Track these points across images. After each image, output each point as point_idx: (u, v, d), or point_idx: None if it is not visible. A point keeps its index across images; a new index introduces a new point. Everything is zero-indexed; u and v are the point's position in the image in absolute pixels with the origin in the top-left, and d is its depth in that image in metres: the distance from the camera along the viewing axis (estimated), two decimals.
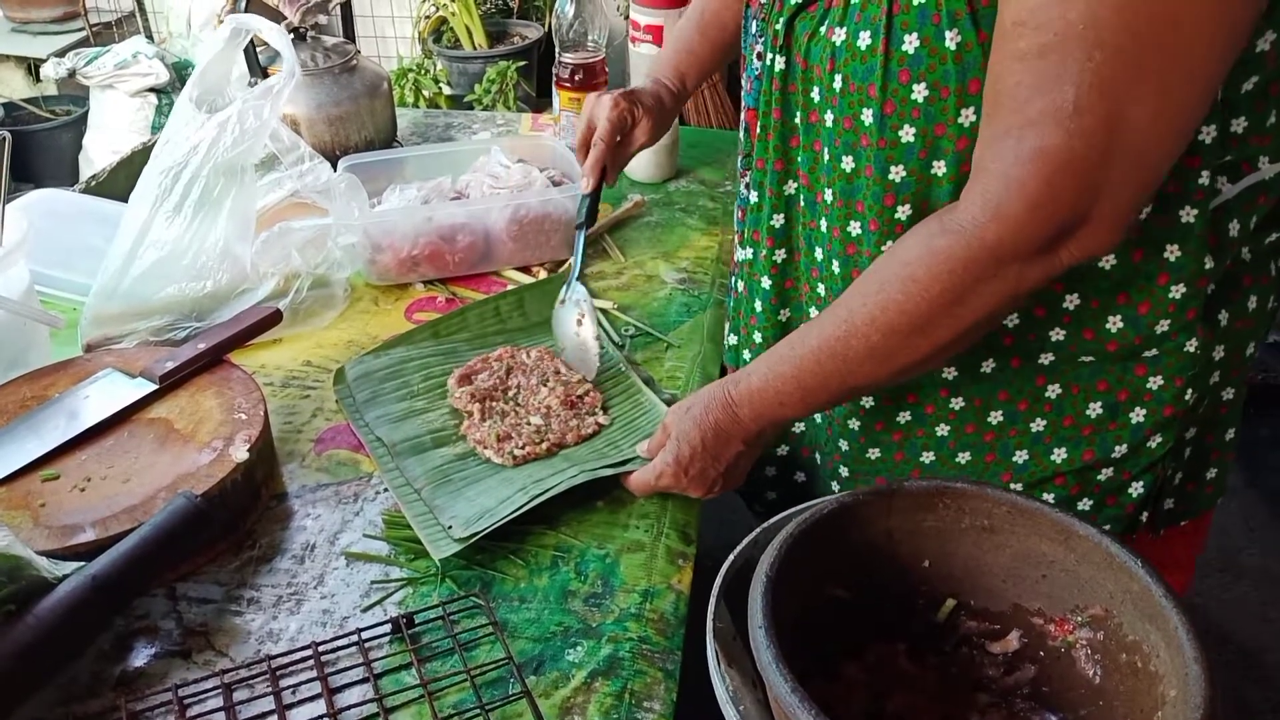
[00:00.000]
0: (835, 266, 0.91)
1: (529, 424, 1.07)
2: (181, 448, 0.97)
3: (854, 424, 0.99)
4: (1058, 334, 0.85)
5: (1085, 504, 0.93)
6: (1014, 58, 0.67)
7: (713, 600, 0.75)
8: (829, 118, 0.85)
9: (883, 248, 0.84)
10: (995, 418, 0.92)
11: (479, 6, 3.00)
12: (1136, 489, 0.91)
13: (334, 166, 1.39)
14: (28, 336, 1.11)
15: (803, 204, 0.94)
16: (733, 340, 1.17)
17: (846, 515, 0.76)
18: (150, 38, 3.46)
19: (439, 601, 0.89)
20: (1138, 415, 0.88)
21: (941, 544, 0.78)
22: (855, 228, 0.88)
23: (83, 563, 0.82)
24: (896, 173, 0.81)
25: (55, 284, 1.28)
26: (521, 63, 2.81)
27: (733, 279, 1.13)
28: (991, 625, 0.79)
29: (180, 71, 3.23)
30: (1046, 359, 0.87)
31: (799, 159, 0.93)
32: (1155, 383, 0.86)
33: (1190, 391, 0.86)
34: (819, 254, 0.94)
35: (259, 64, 1.50)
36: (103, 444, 0.98)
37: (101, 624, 0.83)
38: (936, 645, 0.80)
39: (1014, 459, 0.93)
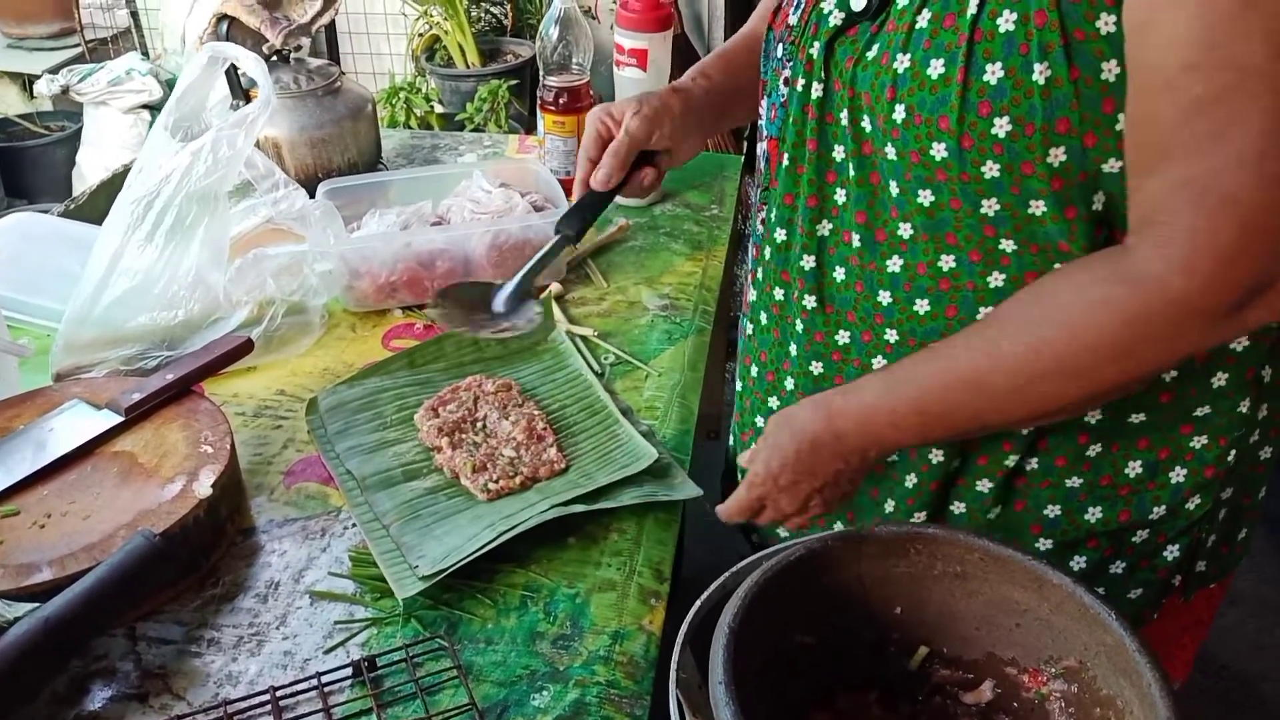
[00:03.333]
0: (922, 305, 0.82)
1: (502, 456, 1.05)
2: (144, 483, 0.95)
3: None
4: None
5: (1118, 567, 0.89)
6: (1188, 105, 0.63)
7: (677, 649, 0.73)
8: (890, 150, 0.77)
9: (990, 281, 0.78)
10: (1030, 464, 0.86)
11: (472, 24, 2.99)
12: (1172, 552, 0.88)
13: (316, 190, 1.38)
14: None
15: (858, 243, 0.84)
16: (745, 385, 1.07)
17: (815, 561, 0.74)
18: (145, 54, 3.46)
19: (403, 643, 0.87)
20: (1178, 475, 0.84)
21: (913, 590, 0.76)
22: (949, 261, 0.79)
23: (37, 604, 0.80)
24: (990, 206, 0.75)
25: (27, 310, 1.26)
26: (514, 81, 2.80)
27: (743, 319, 1.06)
28: (965, 674, 0.77)
29: (173, 88, 3.23)
30: (1094, 418, 0.82)
31: (838, 196, 0.85)
32: (1199, 442, 0.82)
33: (1234, 452, 0.83)
34: (885, 298, 0.84)
35: (241, 86, 1.48)
36: (65, 478, 0.96)
37: (55, 667, 0.82)
38: (909, 694, 0.78)
39: (1045, 512, 0.88)
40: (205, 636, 0.88)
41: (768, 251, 0.95)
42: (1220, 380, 0.80)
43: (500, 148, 1.82)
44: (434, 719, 0.80)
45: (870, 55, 0.77)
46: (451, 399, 1.12)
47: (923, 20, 0.73)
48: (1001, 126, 0.71)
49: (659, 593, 0.94)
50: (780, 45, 0.88)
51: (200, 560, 0.94)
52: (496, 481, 1.02)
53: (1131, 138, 0.68)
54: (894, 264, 0.82)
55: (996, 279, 0.78)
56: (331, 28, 3.05)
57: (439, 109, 2.68)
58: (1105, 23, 0.66)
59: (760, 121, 0.95)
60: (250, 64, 1.14)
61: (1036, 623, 0.73)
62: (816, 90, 0.82)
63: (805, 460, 0.83)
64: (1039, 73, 0.68)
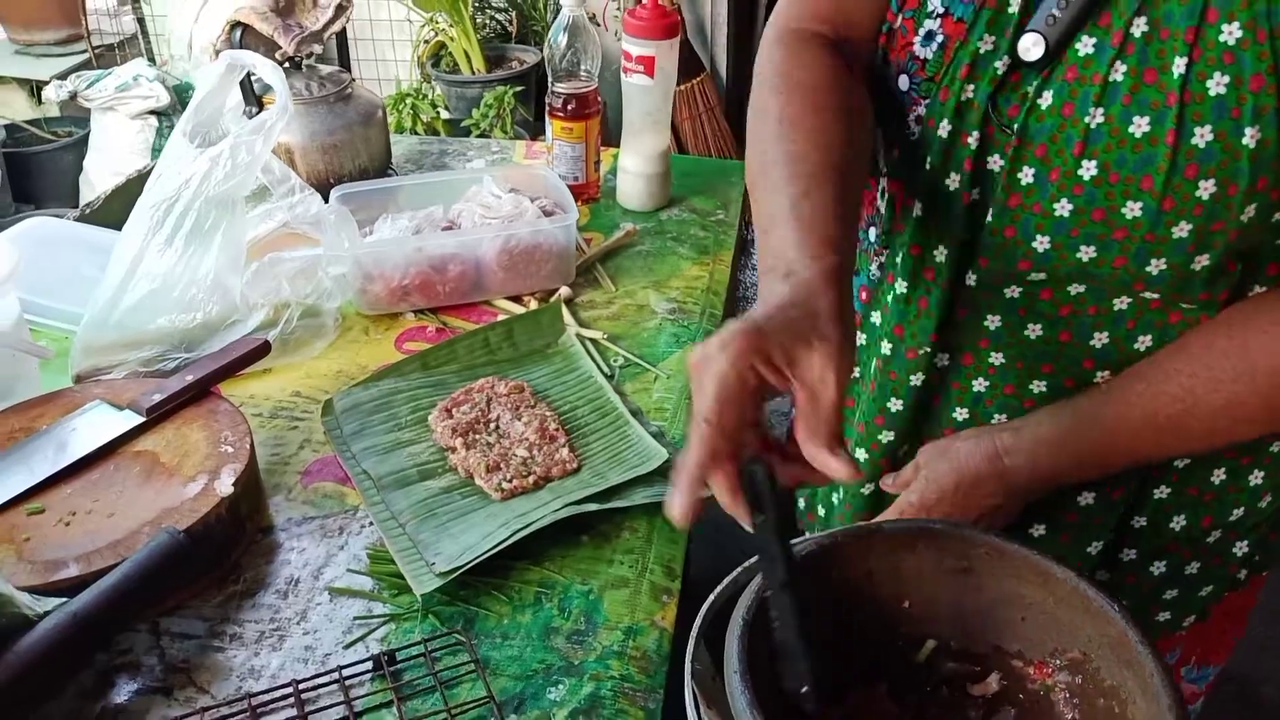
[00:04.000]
0: (1034, 330, 0.81)
1: (515, 456, 1.07)
2: (167, 481, 0.97)
3: None
4: None
5: (1193, 567, 0.90)
6: None
7: (691, 642, 0.75)
8: (1063, 206, 0.73)
9: (1134, 343, 0.79)
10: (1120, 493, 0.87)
11: (478, 31, 3.02)
12: (1241, 548, 0.89)
13: (327, 195, 1.40)
14: (17, 368, 1.12)
15: (1019, 295, 0.80)
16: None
17: (826, 556, 0.76)
18: (152, 60, 3.48)
19: (421, 638, 0.89)
20: (1256, 478, 0.85)
21: (921, 585, 0.78)
22: (1123, 302, 0.78)
23: (65, 599, 0.82)
24: (1156, 266, 0.73)
25: (46, 313, 1.28)
26: (519, 88, 2.83)
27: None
28: (971, 667, 0.79)
29: (181, 94, 3.25)
30: None
31: (989, 243, 0.79)
32: (1277, 446, 0.84)
33: None
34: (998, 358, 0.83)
35: (254, 93, 1.50)
36: (89, 477, 0.98)
37: (83, 661, 0.83)
38: (917, 686, 0.80)
39: (1133, 524, 0.88)
40: (227, 631, 0.90)
41: (888, 299, 0.88)
42: None
43: (508, 153, 1.84)
44: (453, 711, 0.82)
45: (1043, 104, 0.73)
46: (465, 400, 1.14)
47: (1118, 74, 0.70)
48: (1206, 189, 0.69)
49: (670, 589, 0.96)
50: (904, 77, 0.81)
51: (222, 557, 0.96)
52: (510, 481, 1.04)
53: None
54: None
55: (1141, 341, 0.79)
56: (342, 35, 3.08)
57: (445, 115, 2.70)
58: None
59: (884, 159, 0.87)
60: (268, 71, 1.16)
61: (1042, 616, 0.74)
62: (973, 140, 0.76)
63: (964, 494, 0.81)
64: (1249, 136, 0.67)
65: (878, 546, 0.77)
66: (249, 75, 1.43)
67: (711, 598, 0.78)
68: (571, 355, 1.25)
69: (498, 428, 1.11)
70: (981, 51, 0.76)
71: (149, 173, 1.24)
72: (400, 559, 0.95)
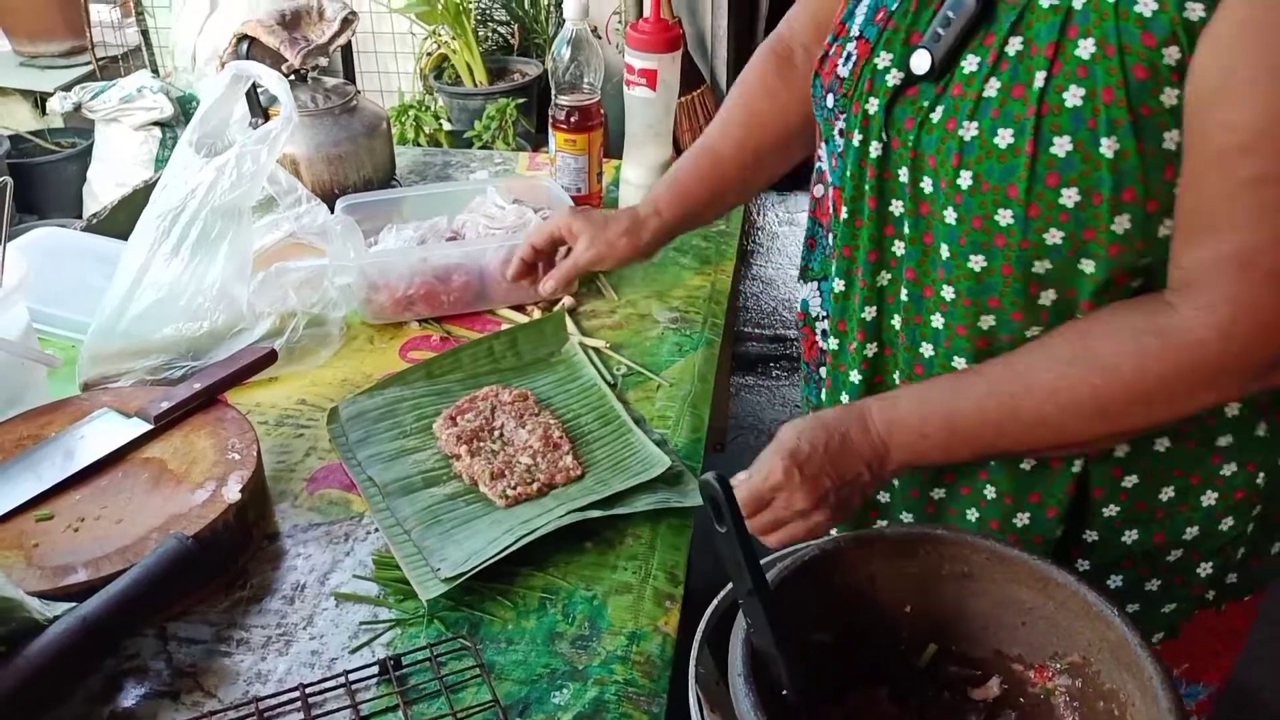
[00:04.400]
0: (959, 361, 0.84)
1: (519, 463, 1.08)
2: (174, 488, 0.98)
3: (937, 493, 0.95)
4: None
5: (1153, 584, 0.91)
6: (1237, 185, 0.67)
7: (695, 646, 0.76)
8: (950, 214, 0.79)
9: (1026, 332, 0.81)
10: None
11: (480, 44, 3.04)
12: (1205, 569, 0.90)
13: (332, 206, 1.41)
14: (25, 376, 1.13)
15: (906, 297, 0.87)
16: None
17: (828, 561, 0.77)
18: (155, 72, 3.50)
19: (427, 643, 0.89)
20: (1209, 498, 0.86)
21: (922, 589, 0.79)
22: (989, 321, 0.82)
23: (74, 604, 0.83)
24: (1041, 266, 0.77)
25: (53, 321, 1.29)
26: (521, 100, 2.84)
27: (816, 360, 1.04)
28: (972, 671, 0.80)
29: (185, 106, 3.26)
30: (1123, 450, 0.85)
31: (896, 249, 0.87)
32: (1228, 470, 0.85)
33: (1262, 475, 0.86)
34: (927, 350, 0.87)
35: (260, 104, 1.52)
36: (97, 484, 0.99)
37: (92, 665, 0.84)
38: (918, 690, 0.81)
39: (1084, 536, 0.90)
40: (234, 636, 0.91)
41: (831, 302, 0.95)
42: (1234, 409, 0.83)
43: (511, 165, 1.85)
44: (458, 715, 0.83)
45: (935, 119, 0.78)
46: (469, 408, 1.15)
47: (991, 89, 0.75)
48: (1070, 197, 0.73)
49: (673, 595, 0.97)
50: (830, 95, 0.89)
51: (228, 563, 0.97)
52: (514, 488, 1.04)
53: (1182, 203, 0.72)
54: (936, 320, 0.85)
55: (1034, 331, 0.81)
56: (348, 48, 3.10)
57: (447, 126, 2.71)
58: (1169, 96, 0.69)
59: (820, 165, 0.96)
60: (273, 82, 1.17)
61: (1042, 620, 0.75)
62: (875, 149, 0.83)
63: (835, 454, 0.82)
64: (1107, 146, 0.71)
65: (880, 551, 0.78)
66: (254, 86, 1.45)
67: (715, 603, 0.79)
68: (575, 364, 1.27)
69: (502, 435, 1.12)
70: (880, 67, 0.82)
71: (154, 183, 1.26)
72: (405, 565, 0.96)
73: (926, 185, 0.81)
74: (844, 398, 0.96)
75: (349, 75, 3.13)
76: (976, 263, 0.79)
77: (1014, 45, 0.74)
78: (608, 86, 1.69)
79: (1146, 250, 0.75)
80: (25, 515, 0.95)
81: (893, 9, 0.83)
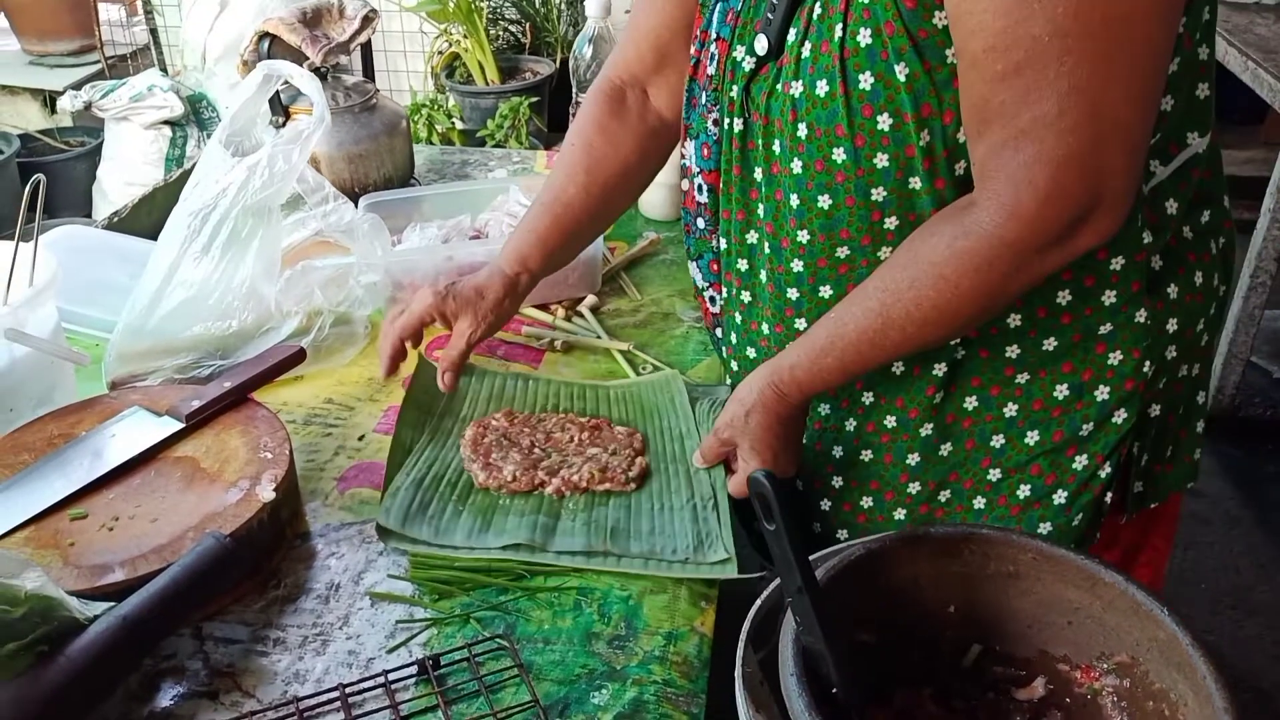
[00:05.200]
0: (825, 291, 0.95)
1: (549, 456, 1.09)
2: (208, 487, 0.98)
3: (850, 424, 1.01)
4: (1015, 319, 0.90)
5: (1060, 496, 0.96)
6: (993, 79, 0.75)
7: (741, 646, 0.75)
8: (796, 165, 0.90)
9: (880, 255, 0.90)
10: (970, 403, 0.95)
11: (491, 42, 3.04)
12: (1105, 470, 0.95)
13: (354, 203, 1.41)
14: (54, 375, 1.13)
15: (768, 250, 0.97)
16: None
17: (874, 560, 0.77)
18: (165, 71, 3.50)
19: (464, 643, 0.89)
20: (1102, 393, 0.92)
21: (967, 589, 0.79)
22: (844, 251, 0.92)
23: (113, 603, 0.83)
24: (878, 193, 0.87)
25: (78, 320, 1.29)
26: (534, 98, 2.85)
27: (713, 322, 1.15)
28: (1017, 671, 0.79)
29: (194, 104, 3.26)
30: (1013, 352, 0.92)
31: (759, 210, 0.97)
32: (1115, 358, 0.91)
33: (1148, 364, 0.91)
34: (793, 294, 0.97)
35: (282, 103, 1.52)
36: (130, 482, 0.99)
37: (132, 665, 0.84)
38: (963, 691, 0.80)
39: (991, 443, 0.96)
40: (271, 636, 0.91)
41: (721, 263, 1.08)
42: (1110, 297, 0.89)
43: (529, 163, 1.85)
44: (498, 715, 0.82)
45: (780, 89, 0.90)
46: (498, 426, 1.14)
47: (806, 50, 0.86)
48: (884, 121, 0.84)
49: (709, 595, 0.97)
50: (704, 93, 1.01)
51: (262, 563, 0.96)
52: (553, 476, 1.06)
53: (963, 107, 0.80)
54: (797, 265, 0.95)
55: (884, 252, 0.90)
56: (368, 46, 3.09)
57: (460, 125, 2.72)
58: (939, 18, 0.79)
59: (686, 161, 1.07)
60: (304, 81, 1.17)
61: (1089, 620, 0.75)
62: (738, 125, 0.95)
63: (769, 403, 0.96)
64: (900, 71, 0.81)
65: (924, 551, 0.78)
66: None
67: (758, 604, 0.79)
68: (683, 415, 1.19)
69: (540, 430, 1.13)
70: (736, 58, 0.94)
71: (174, 182, 1.26)
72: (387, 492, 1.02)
73: (776, 146, 0.92)
74: (734, 337, 1.09)
75: (367, 73, 3.13)
76: (824, 201, 0.90)
77: (816, 10, 0.85)
78: None
79: (954, 159, 0.84)
80: (59, 514, 0.95)
81: (738, 8, 0.94)
